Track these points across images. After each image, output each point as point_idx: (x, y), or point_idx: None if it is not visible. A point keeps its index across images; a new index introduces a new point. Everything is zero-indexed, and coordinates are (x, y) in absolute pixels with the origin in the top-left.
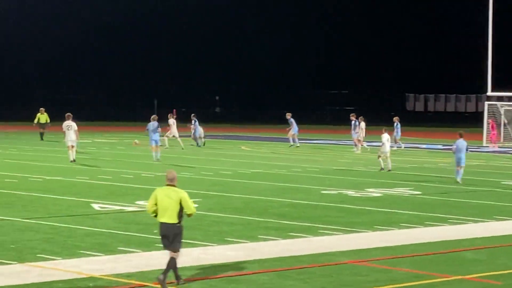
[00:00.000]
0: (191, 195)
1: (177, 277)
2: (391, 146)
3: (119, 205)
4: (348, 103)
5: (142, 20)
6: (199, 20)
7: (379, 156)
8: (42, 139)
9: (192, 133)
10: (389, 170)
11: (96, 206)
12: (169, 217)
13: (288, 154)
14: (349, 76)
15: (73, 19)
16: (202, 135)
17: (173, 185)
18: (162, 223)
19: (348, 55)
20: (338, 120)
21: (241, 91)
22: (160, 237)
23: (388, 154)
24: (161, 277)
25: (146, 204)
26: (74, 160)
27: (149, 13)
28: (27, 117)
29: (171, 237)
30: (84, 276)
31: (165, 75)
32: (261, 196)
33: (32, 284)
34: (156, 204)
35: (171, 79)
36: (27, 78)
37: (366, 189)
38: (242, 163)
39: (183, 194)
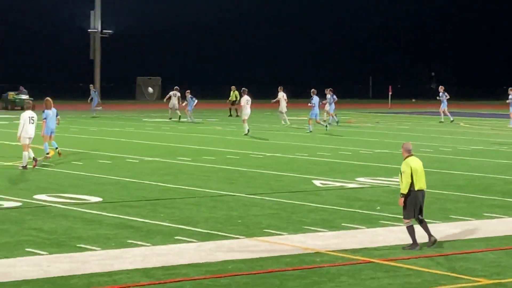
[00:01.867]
0: None
1: (414, 242)
2: None
3: (339, 182)
4: None
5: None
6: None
7: None
8: (230, 114)
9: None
10: None
11: (317, 183)
12: (424, 183)
13: (508, 131)
14: None
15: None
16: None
17: (413, 155)
18: (420, 190)
19: None
20: None
21: (456, 67)
22: (416, 204)
23: None
24: (433, 238)
25: (402, 179)
26: (247, 132)
27: None
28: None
29: (423, 202)
30: (310, 252)
31: (380, 51)
32: (484, 173)
33: (261, 258)
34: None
35: (386, 55)
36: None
37: None
38: (461, 139)
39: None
